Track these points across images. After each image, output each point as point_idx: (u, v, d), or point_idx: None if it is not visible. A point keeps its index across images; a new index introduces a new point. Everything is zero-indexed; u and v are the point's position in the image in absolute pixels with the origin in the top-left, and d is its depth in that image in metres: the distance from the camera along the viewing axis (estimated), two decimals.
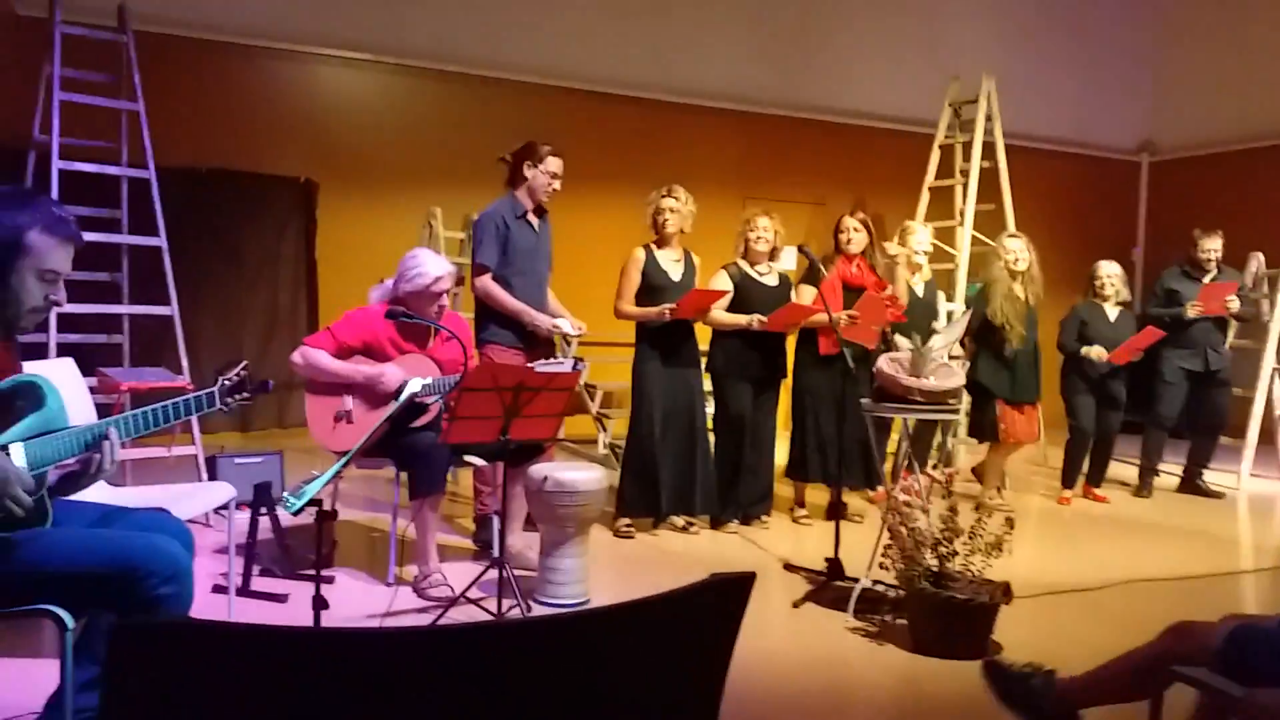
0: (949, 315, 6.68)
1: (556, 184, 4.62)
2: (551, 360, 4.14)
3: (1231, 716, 2.00)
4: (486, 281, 4.52)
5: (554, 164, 4.59)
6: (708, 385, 5.26)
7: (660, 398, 4.93)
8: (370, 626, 0.83)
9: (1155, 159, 11.06)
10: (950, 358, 5.94)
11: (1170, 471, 6.92)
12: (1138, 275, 10.88)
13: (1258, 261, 7.12)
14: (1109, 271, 6.14)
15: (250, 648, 0.86)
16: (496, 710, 0.92)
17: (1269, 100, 9.69)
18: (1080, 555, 4.98)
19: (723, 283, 5.10)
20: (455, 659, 0.90)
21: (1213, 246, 6.37)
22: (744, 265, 5.16)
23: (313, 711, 0.88)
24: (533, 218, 4.65)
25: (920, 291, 5.81)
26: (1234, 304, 6.19)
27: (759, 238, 5.12)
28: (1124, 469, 6.79)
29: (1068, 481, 6.21)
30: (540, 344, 4.60)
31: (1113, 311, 6.09)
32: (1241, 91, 9.96)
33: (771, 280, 5.19)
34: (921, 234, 5.89)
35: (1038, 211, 8.78)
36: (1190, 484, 6.55)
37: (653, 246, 5.01)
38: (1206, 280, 6.34)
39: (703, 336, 5.18)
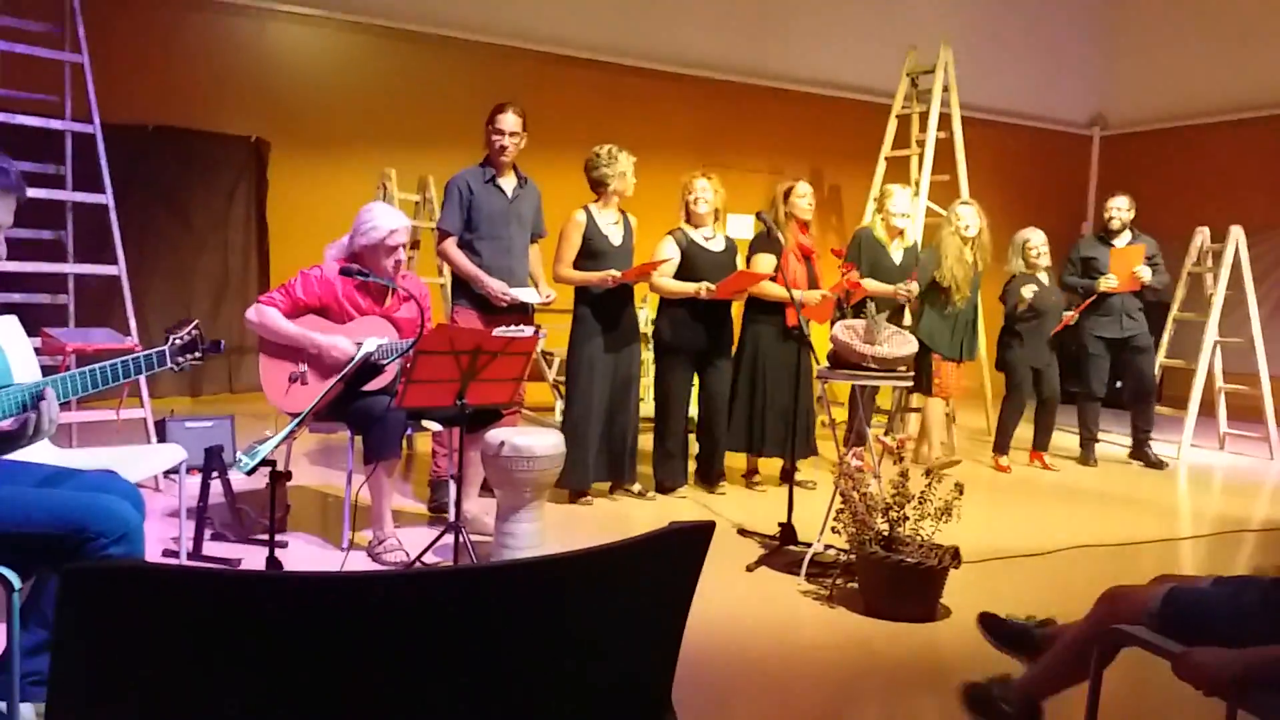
0: None
1: (506, 140, 4.54)
2: (512, 328, 4.12)
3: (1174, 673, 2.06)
4: (446, 245, 4.54)
5: (503, 121, 4.53)
6: (646, 355, 5.24)
7: (598, 367, 4.86)
8: (325, 571, 0.83)
9: (1106, 133, 11.22)
10: (901, 325, 6.04)
11: (1111, 441, 7.09)
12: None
13: (1203, 236, 7.26)
14: (1038, 240, 6.24)
15: (202, 590, 0.85)
16: (461, 653, 0.92)
17: (1218, 76, 9.87)
18: (1027, 521, 5.10)
19: (669, 249, 5.03)
20: (413, 603, 0.90)
21: (1117, 205, 6.51)
22: (689, 230, 5.11)
23: (267, 655, 0.88)
24: (504, 181, 4.60)
25: (898, 259, 5.82)
26: (1144, 274, 6.28)
27: (697, 199, 5.06)
28: (1069, 439, 6.94)
29: (1000, 448, 6.34)
30: (507, 311, 4.55)
31: (1044, 277, 6.23)
32: (1191, 67, 10.13)
33: (717, 245, 5.14)
34: (899, 197, 5.83)
35: (991, 182, 8.88)
36: (1139, 451, 6.70)
37: (594, 209, 4.93)
38: (1119, 244, 6.47)
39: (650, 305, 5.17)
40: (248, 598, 0.85)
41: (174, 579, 0.85)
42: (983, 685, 2.58)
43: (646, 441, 5.26)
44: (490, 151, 4.57)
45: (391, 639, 0.90)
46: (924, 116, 8.16)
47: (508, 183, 4.63)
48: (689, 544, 1.06)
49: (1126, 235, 6.55)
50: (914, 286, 5.63)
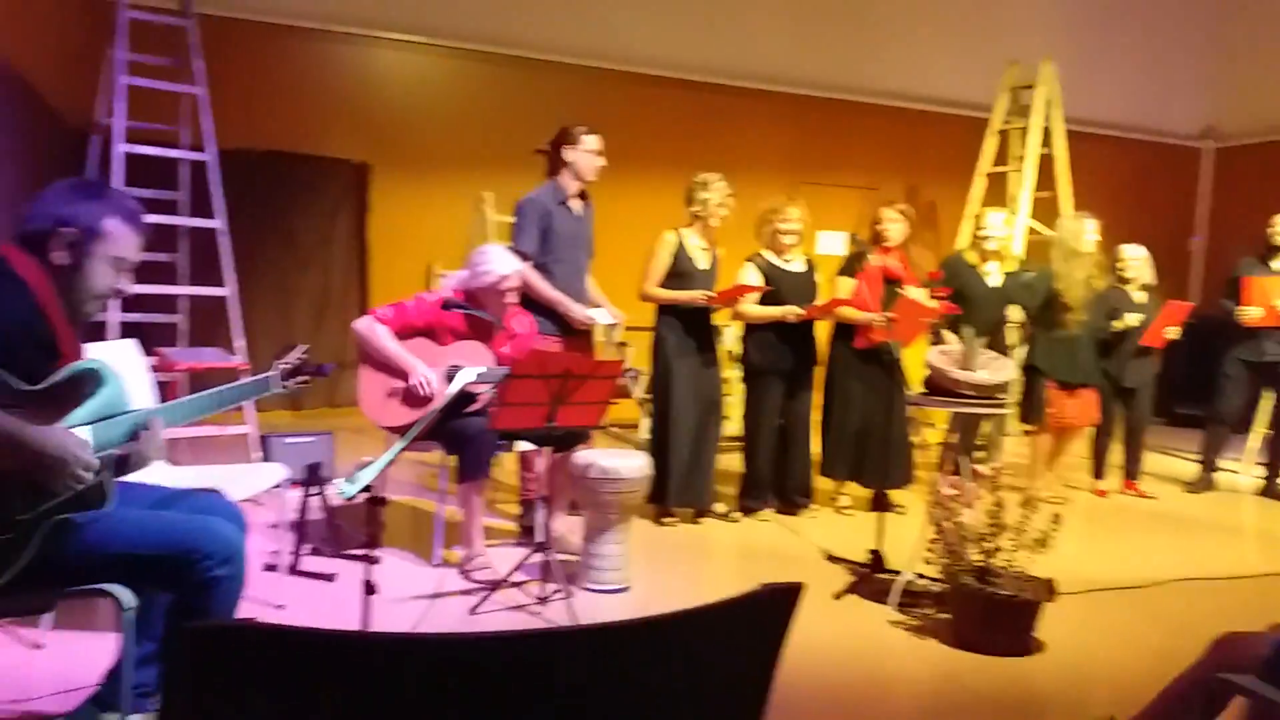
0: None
1: (601, 160, 4.61)
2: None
3: None
4: (525, 269, 4.53)
5: (593, 141, 4.59)
6: (727, 373, 5.19)
7: (680, 386, 4.87)
8: (428, 633, 0.85)
9: (1220, 145, 10.77)
10: (1005, 348, 5.80)
11: (1228, 469, 6.77)
12: (1195, 265, 10.64)
13: None
14: (1132, 255, 6.00)
15: (313, 651, 0.89)
16: (554, 716, 0.95)
17: None
18: (1127, 552, 4.91)
19: (751, 276, 4.99)
20: (507, 666, 0.92)
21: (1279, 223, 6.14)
22: (769, 255, 5.07)
23: (371, 716, 0.91)
24: (574, 203, 4.65)
25: (993, 282, 5.64)
26: None
27: (791, 230, 5.03)
28: (1181, 465, 6.65)
29: (1098, 472, 6.10)
30: (579, 333, 4.61)
31: (1138, 295, 5.97)
32: None
33: (798, 267, 5.09)
34: (993, 219, 5.64)
35: (1095, 198, 8.59)
36: (1270, 486, 6.28)
37: (685, 232, 4.94)
38: (1276, 265, 6.12)
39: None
40: (360, 660, 0.89)
41: (287, 641, 0.89)
42: None
43: (730, 462, 5.24)
44: (579, 172, 4.60)
45: (483, 701, 0.92)
46: (1025, 132, 7.97)
47: (576, 203, 4.67)
48: (777, 605, 1.06)
49: None
50: (882, 317, 4.90)
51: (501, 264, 4.06)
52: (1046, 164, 7.81)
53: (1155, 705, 2.37)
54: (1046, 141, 7.83)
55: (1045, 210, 7.79)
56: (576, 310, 4.52)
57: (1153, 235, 7.18)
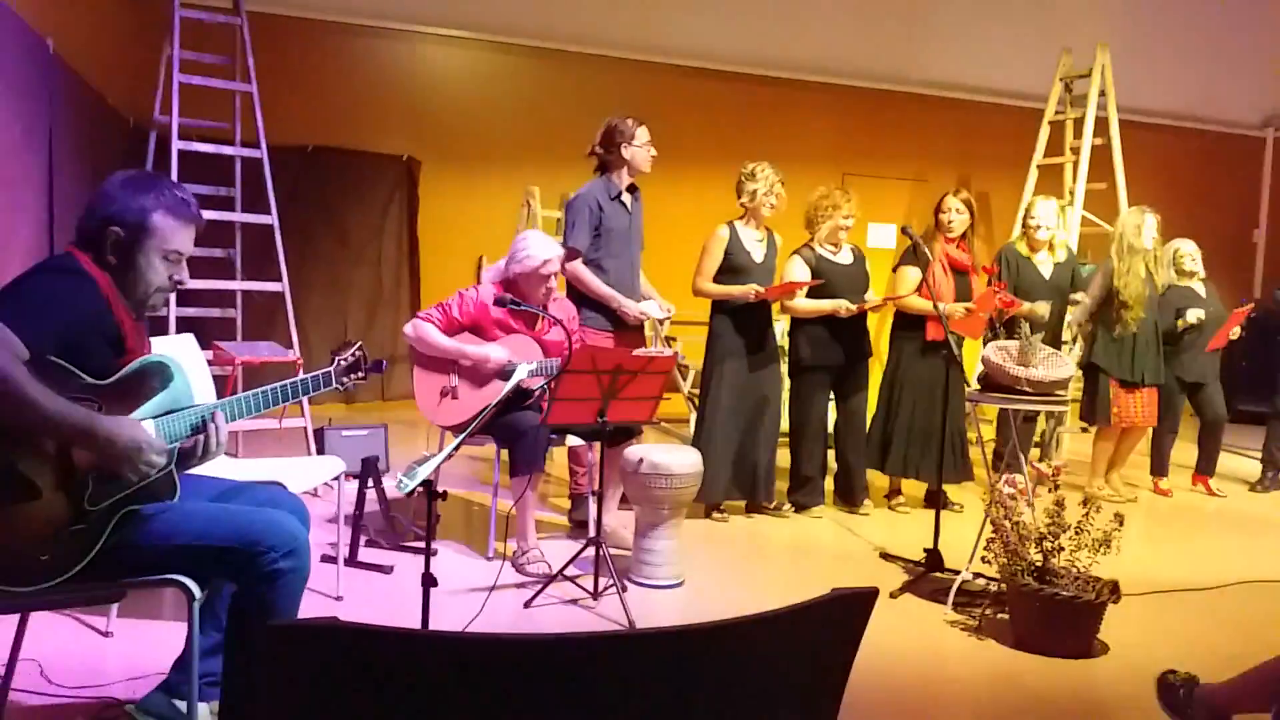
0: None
1: (652, 150, 4.61)
2: (652, 349, 4.16)
3: None
4: (576, 265, 4.49)
5: (644, 133, 4.58)
6: (783, 369, 5.17)
7: (735, 384, 4.84)
8: (502, 633, 0.84)
9: None
10: (1060, 342, 5.70)
11: None
12: (1259, 256, 10.38)
13: None
14: (1187, 250, 5.86)
15: (392, 649, 0.89)
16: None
17: None
18: (1192, 552, 4.81)
19: (798, 269, 4.93)
20: (581, 669, 0.91)
21: None
22: (817, 248, 5.00)
23: (443, 714, 0.91)
24: (626, 197, 4.64)
25: (1048, 272, 5.55)
26: None
27: (844, 226, 4.96)
28: (1245, 463, 6.50)
29: (1158, 469, 5.97)
30: (631, 327, 4.60)
31: (1199, 287, 5.83)
32: None
33: (845, 259, 5.04)
34: (1042, 208, 5.52)
35: (1152, 190, 8.40)
36: None
37: (737, 225, 4.91)
38: None
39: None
40: (434, 658, 0.89)
41: (372, 640, 0.89)
42: (1177, 678, 2.59)
43: (784, 458, 5.20)
44: (635, 166, 4.58)
45: (559, 703, 0.92)
46: (1079, 122, 7.82)
47: (627, 197, 4.66)
48: (850, 611, 1.04)
49: None
50: (960, 308, 4.91)
51: (542, 248, 4.06)
52: (1102, 155, 7.66)
53: (1244, 679, 2.35)
54: (1102, 131, 7.67)
55: (1101, 202, 7.63)
56: (630, 306, 4.51)
57: (1214, 228, 7.04)
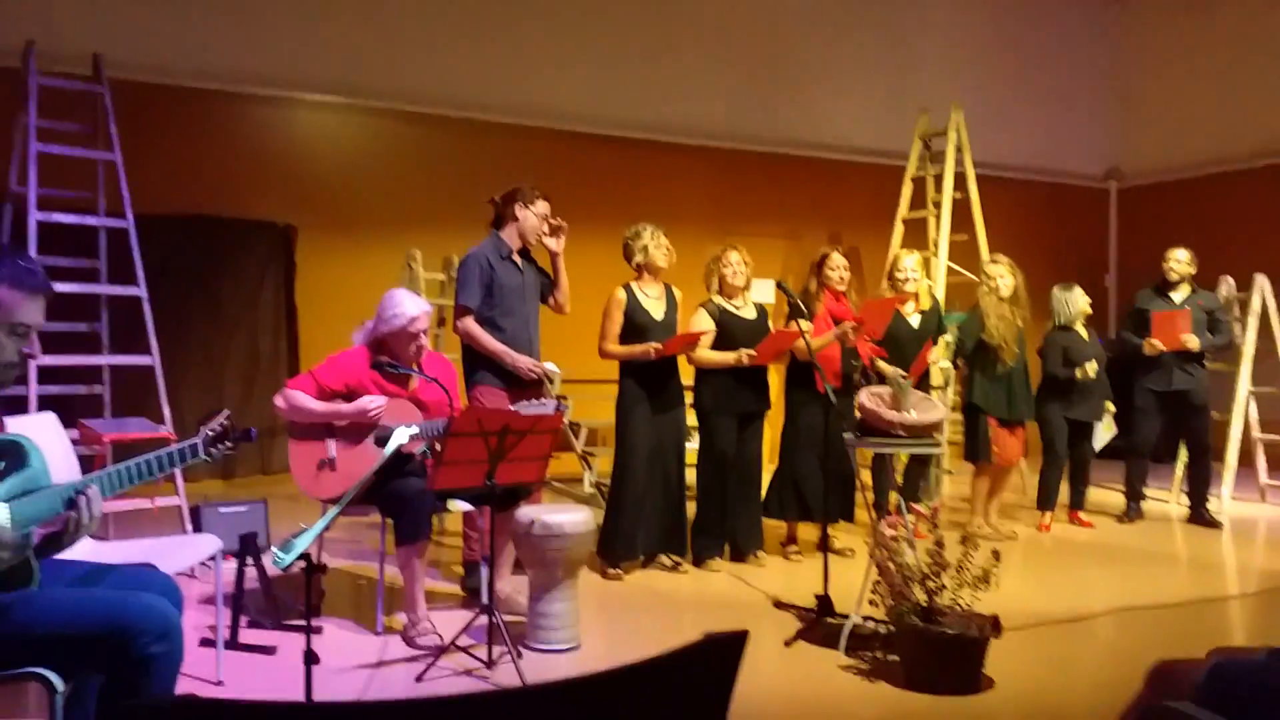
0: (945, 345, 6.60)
1: (546, 227, 4.66)
2: (533, 401, 4.14)
3: None
4: (468, 323, 4.51)
5: (543, 207, 4.65)
6: (691, 421, 5.27)
7: (645, 437, 4.92)
8: (371, 700, 0.81)
9: (1123, 185, 11.25)
10: (932, 387, 5.96)
11: (1156, 498, 6.98)
12: (1111, 300, 11.03)
13: (1227, 285, 7.22)
14: (1067, 296, 6.21)
15: None
16: None
17: (1233, 125, 9.91)
18: (1068, 584, 5.01)
19: (704, 321, 5.11)
20: None
21: (1177, 257, 6.38)
22: (720, 301, 5.19)
23: None
24: (518, 258, 4.67)
25: (916, 323, 5.79)
26: (1190, 342, 6.15)
27: (735, 272, 5.16)
28: (1111, 496, 6.84)
29: (1044, 504, 6.24)
30: (527, 384, 4.60)
31: (1084, 333, 6.18)
32: (1206, 117, 10.17)
33: (749, 313, 5.22)
34: (908, 261, 5.79)
35: (1010, 240, 8.86)
36: (1196, 513, 6.47)
37: (634, 286, 5.02)
38: (1176, 297, 6.39)
39: (685, 372, 5.19)
40: None
41: (226, 715, 0.85)
42: None
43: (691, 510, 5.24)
44: (523, 231, 4.62)
45: None
46: (939, 178, 8.23)
47: (520, 258, 4.69)
48: (722, 655, 1.05)
49: (1185, 289, 6.40)
50: (848, 326, 5.14)
51: (410, 306, 4.01)
52: (962, 208, 8.07)
53: None
54: (960, 186, 8.09)
55: (963, 253, 8.02)
56: (522, 361, 4.51)
57: (1068, 274, 7.44)
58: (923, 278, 5.83)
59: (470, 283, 4.52)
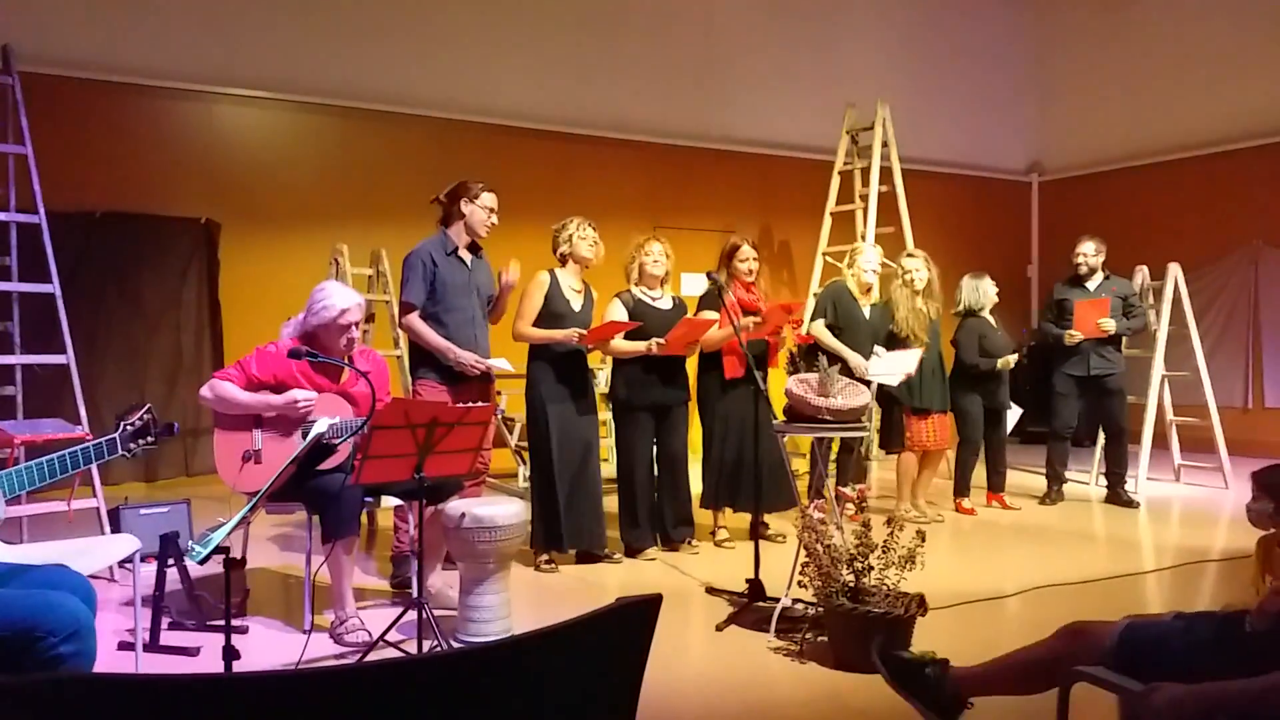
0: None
1: (493, 219, 4.67)
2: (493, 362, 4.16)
3: (1134, 712, 2.07)
4: (411, 319, 4.52)
5: (489, 199, 4.65)
6: (604, 415, 5.25)
7: (556, 428, 4.86)
8: (278, 669, 0.80)
9: (1044, 179, 11.54)
10: (858, 379, 6.06)
11: (1077, 480, 7.19)
12: (1034, 290, 11.31)
13: (1143, 274, 7.45)
14: (978, 285, 6.37)
15: (151, 700, 0.84)
16: None
17: (1148, 120, 10.23)
18: (991, 564, 5.13)
19: (619, 311, 5.07)
20: (367, 698, 0.89)
21: (1084, 250, 6.62)
22: (636, 291, 5.17)
23: None
24: (464, 254, 4.64)
25: (867, 314, 5.84)
26: (1108, 326, 6.39)
27: (655, 261, 5.15)
28: (1033, 479, 7.02)
29: (961, 490, 6.38)
30: (472, 381, 4.56)
31: (993, 320, 6.34)
32: (1123, 113, 10.49)
33: (665, 304, 5.21)
34: (870, 254, 5.87)
35: (936, 232, 9.08)
36: (1113, 493, 6.71)
37: (558, 272, 4.99)
38: (1091, 286, 6.62)
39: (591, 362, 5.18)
40: (196, 704, 0.84)
41: (117, 688, 0.83)
42: (911, 659, 2.63)
43: (610, 503, 5.24)
44: (470, 226, 4.61)
45: None
46: (865, 172, 8.36)
47: (466, 255, 4.66)
48: (636, 618, 1.06)
49: (1098, 278, 6.65)
50: (750, 321, 5.06)
51: (341, 298, 3.95)
52: (888, 201, 8.20)
53: (994, 665, 2.51)
54: (886, 179, 8.23)
55: (889, 244, 8.14)
56: (465, 356, 4.48)
57: (992, 265, 7.61)
58: (880, 273, 5.93)
59: (414, 279, 4.54)
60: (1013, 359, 6.13)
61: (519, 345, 4.96)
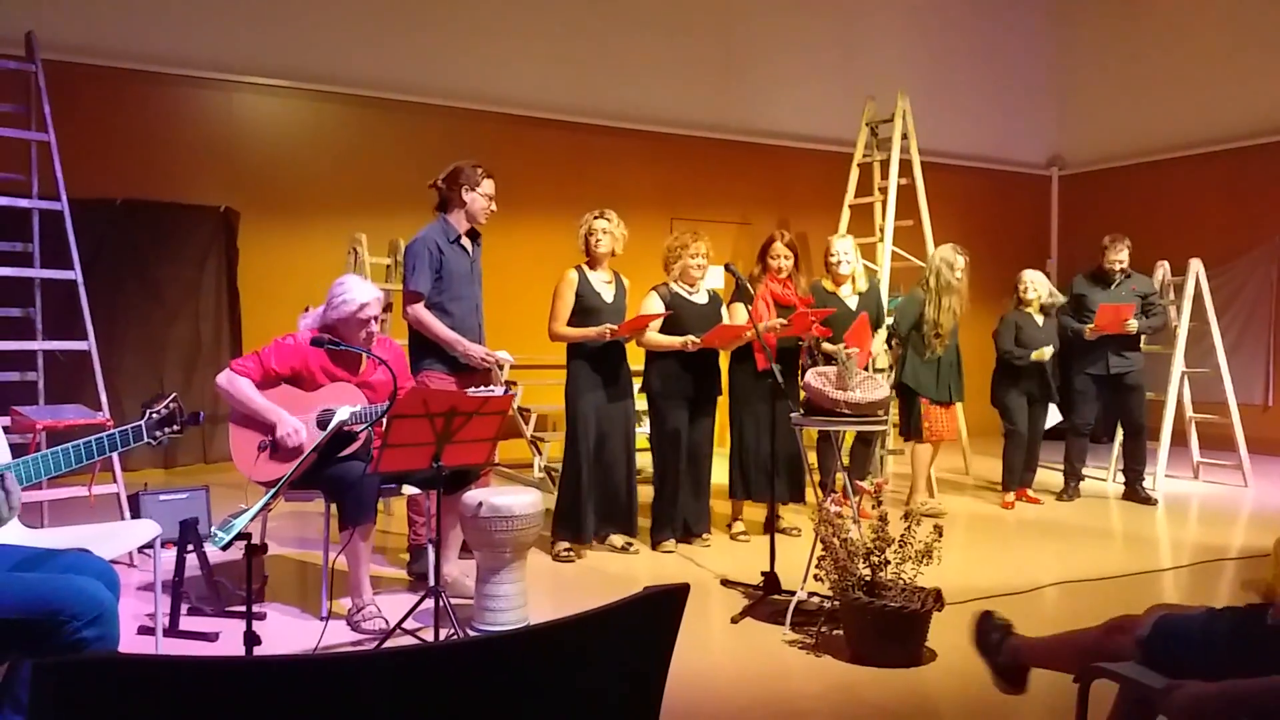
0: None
1: (493, 205, 4.63)
2: (482, 389, 4.12)
3: (1156, 709, 2.07)
4: (418, 309, 4.45)
5: (489, 185, 4.60)
6: (640, 406, 5.27)
7: (594, 420, 4.93)
8: (301, 654, 0.81)
9: (1064, 173, 11.45)
10: (876, 369, 6.07)
11: (1094, 476, 7.15)
12: (1053, 284, 11.23)
13: (1163, 270, 7.40)
14: (1031, 278, 6.37)
15: (178, 680, 0.85)
16: None
17: (1169, 114, 10.13)
18: (1008, 560, 5.11)
19: (655, 304, 5.10)
20: (389, 684, 0.90)
21: (1118, 258, 6.59)
22: (674, 285, 5.20)
23: None
24: (466, 241, 4.62)
25: (853, 305, 5.84)
26: (1132, 325, 6.38)
27: (699, 265, 5.15)
28: (1051, 475, 6.99)
29: (1009, 485, 6.41)
30: (476, 371, 4.56)
31: (1039, 317, 6.32)
32: (1143, 106, 10.39)
33: (701, 299, 5.23)
34: (840, 245, 5.89)
35: (954, 225, 9.01)
36: (1131, 490, 6.69)
37: (585, 268, 5.01)
38: (1113, 288, 6.59)
39: (634, 357, 5.20)
40: (221, 685, 0.85)
41: (146, 669, 0.84)
42: (996, 621, 2.69)
43: (646, 493, 5.26)
44: (471, 213, 4.58)
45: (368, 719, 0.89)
46: (885, 164, 8.31)
47: (467, 241, 4.65)
48: (663, 608, 1.06)
49: (1121, 279, 6.62)
50: (777, 323, 5.16)
51: (360, 292, 3.97)
52: (907, 194, 8.16)
53: (1053, 640, 2.54)
54: (906, 172, 8.18)
55: (908, 238, 8.12)
56: (473, 349, 4.47)
57: (1011, 259, 7.61)
58: (857, 260, 5.89)
59: (420, 268, 4.46)
60: (1048, 351, 6.16)
61: (525, 340, 4.96)
